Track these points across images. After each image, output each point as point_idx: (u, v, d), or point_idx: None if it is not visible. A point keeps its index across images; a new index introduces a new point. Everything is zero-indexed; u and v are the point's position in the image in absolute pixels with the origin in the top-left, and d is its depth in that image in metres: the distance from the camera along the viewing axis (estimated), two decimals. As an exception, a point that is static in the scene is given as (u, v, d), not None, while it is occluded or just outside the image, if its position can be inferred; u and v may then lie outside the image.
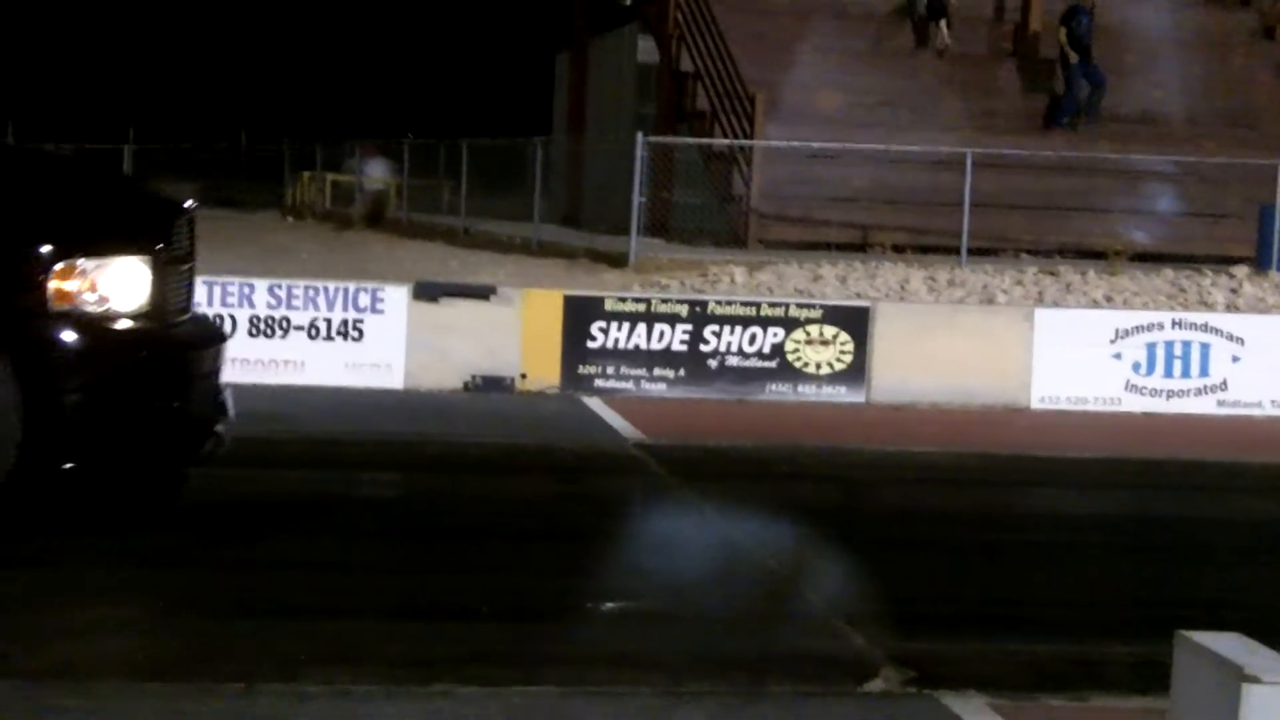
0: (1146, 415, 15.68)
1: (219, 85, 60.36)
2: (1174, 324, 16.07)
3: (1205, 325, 16.11)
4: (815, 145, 21.49)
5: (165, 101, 55.65)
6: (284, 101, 55.67)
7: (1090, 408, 15.73)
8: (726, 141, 22.71)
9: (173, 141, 40.74)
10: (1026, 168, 22.17)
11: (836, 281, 18.41)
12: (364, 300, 15.08)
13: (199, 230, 9.33)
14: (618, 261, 19.71)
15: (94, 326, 8.38)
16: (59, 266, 8.34)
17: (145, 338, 8.54)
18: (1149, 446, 14.01)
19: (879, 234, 21.43)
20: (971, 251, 20.06)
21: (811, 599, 8.20)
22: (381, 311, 15.07)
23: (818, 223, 21.66)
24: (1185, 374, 15.95)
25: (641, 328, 15.33)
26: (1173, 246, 21.60)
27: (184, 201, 9.44)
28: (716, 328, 15.41)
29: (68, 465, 8.32)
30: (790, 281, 18.33)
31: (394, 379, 15.01)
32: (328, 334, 14.87)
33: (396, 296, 15.16)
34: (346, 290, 15.11)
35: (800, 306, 15.69)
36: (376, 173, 34.27)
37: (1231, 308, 18.20)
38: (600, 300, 15.49)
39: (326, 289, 15.09)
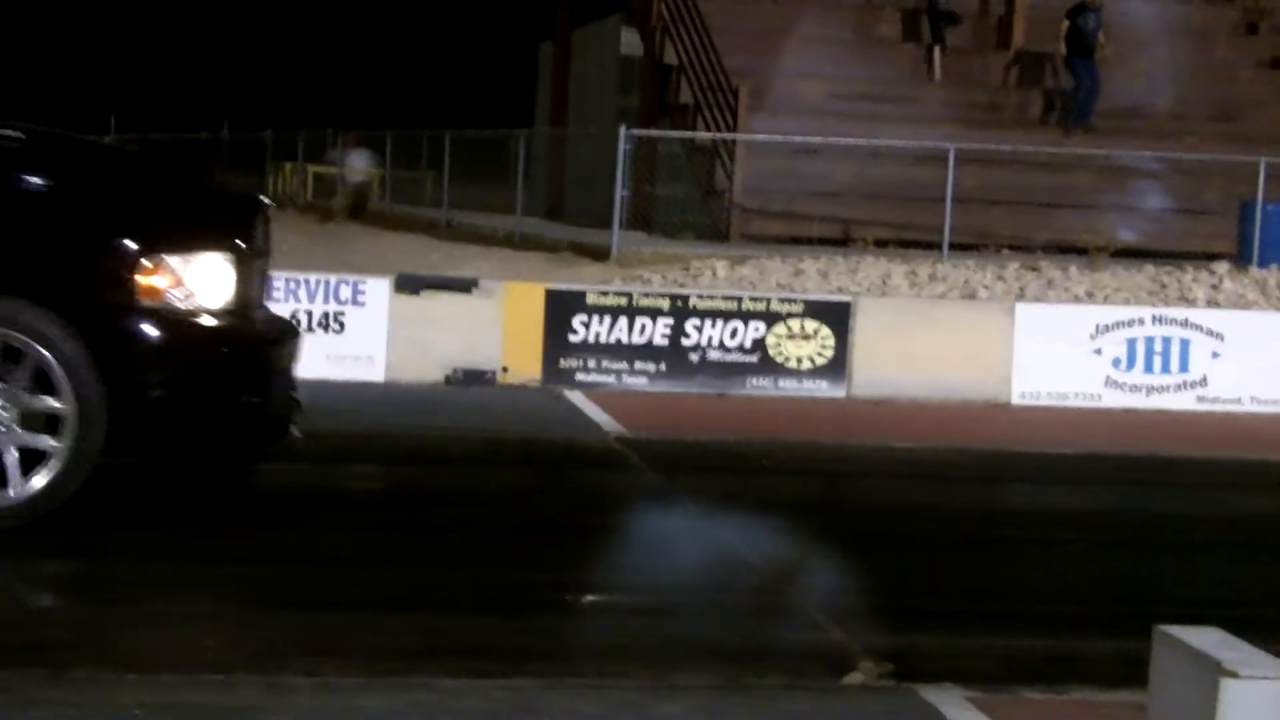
0: (1127, 411, 15.71)
1: (201, 75, 60.28)
2: (1154, 320, 16.10)
3: (1185, 321, 16.15)
4: (798, 139, 21.49)
5: (146, 90, 55.53)
6: (266, 92, 55.56)
7: (1071, 403, 15.76)
8: (710, 135, 22.71)
9: (153, 131, 40.67)
10: (1009, 163, 22.18)
11: (818, 276, 18.42)
12: (345, 293, 15.06)
13: None
14: (600, 255, 19.70)
15: (180, 322, 8.37)
16: (146, 262, 8.32)
17: (228, 334, 8.53)
18: (1129, 442, 14.03)
19: (861, 229, 21.42)
20: (953, 247, 20.07)
21: (791, 593, 8.22)
22: (363, 304, 15.05)
23: (800, 217, 21.65)
24: (1165, 370, 15.98)
25: (623, 321, 15.33)
26: (1155, 242, 21.62)
27: (260, 197, 9.47)
28: (698, 322, 15.40)
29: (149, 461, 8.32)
30: (772, 276, 18.34)
31: (375, 372, 14.99)
32: (309, 326, 14.84)
33: (378, 289, 15.13)
34: (328, 282, 15.09)
35: (782, 301, 15.69)
36: (359, 164, 34.20)
37: (1212, 303, 18.23)
38: (582, 294, 15.48)
39: (308, 281, 15.06)
